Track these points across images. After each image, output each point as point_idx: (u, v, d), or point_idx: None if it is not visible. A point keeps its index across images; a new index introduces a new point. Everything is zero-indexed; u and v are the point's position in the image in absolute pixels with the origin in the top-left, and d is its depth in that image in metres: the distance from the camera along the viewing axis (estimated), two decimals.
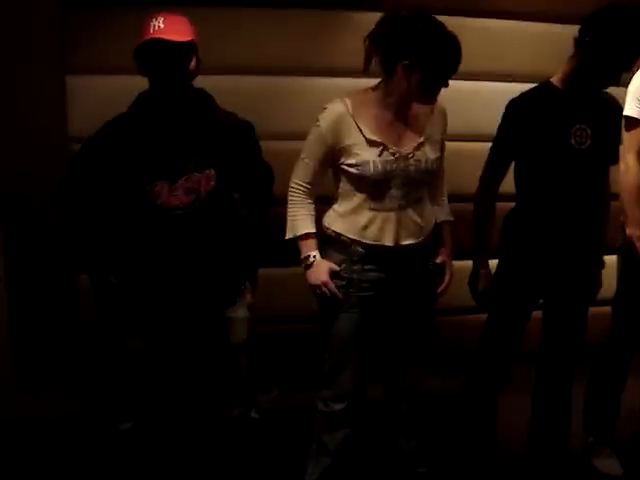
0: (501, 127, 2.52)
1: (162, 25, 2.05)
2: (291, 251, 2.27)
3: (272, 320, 3.05)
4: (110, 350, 2.34)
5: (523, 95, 2.50)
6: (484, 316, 2.68)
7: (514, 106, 2.49)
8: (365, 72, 2.11)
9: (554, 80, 2.47)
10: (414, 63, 2.03)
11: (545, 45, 3.19)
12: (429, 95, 2.13)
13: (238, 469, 2.46)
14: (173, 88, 2.08)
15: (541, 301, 2.64)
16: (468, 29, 2.97)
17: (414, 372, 2.39)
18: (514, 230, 2.56)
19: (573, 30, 2.40)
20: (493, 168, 2.55)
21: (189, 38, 2.07)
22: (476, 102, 3.17)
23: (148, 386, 2.28)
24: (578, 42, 2.39)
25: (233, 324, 2.31)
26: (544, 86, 2.49)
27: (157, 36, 2.02)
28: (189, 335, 2.30)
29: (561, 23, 3.15)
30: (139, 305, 2.23)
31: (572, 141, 2.43)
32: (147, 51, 2.04)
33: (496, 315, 2.63)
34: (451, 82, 2.09)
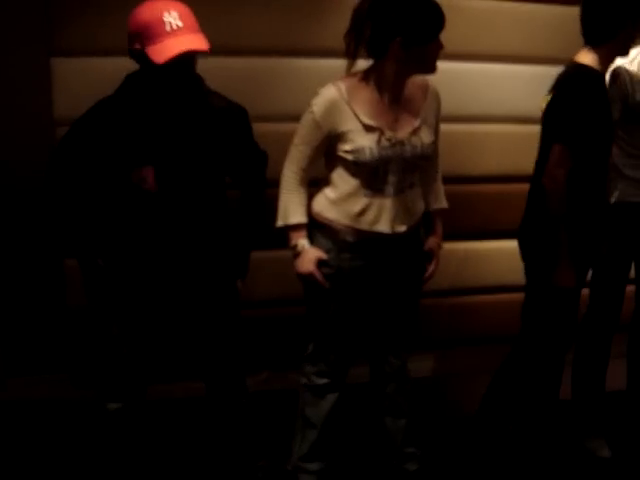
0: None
1: (180, 23, 1.92)
2: (279, 234, 2.26)
3: (260, 303, 3.05)
4: (99, 333, 2.34)
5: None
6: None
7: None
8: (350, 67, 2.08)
9: None
10: (407, 37, 1.98)
11: (538, 26, 3.16)
12: (429, 62, 2.06)
13: (227, 451, 2.47)
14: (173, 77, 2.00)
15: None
16: (455, 9, 2.95)
17: (400, 354, 2.40)
18: None
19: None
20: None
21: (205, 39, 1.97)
22: (462, 83, 3.13)
23: (135, 369, 2.28)
24: None
25: None
26: None
27: (185, 49, 1.90)
28: (178, 319, 2.30)
29: (557, 4, 3.12)
30: (126, 289, 2.21)
31: None
32: (176, 66, 1.94)
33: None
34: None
